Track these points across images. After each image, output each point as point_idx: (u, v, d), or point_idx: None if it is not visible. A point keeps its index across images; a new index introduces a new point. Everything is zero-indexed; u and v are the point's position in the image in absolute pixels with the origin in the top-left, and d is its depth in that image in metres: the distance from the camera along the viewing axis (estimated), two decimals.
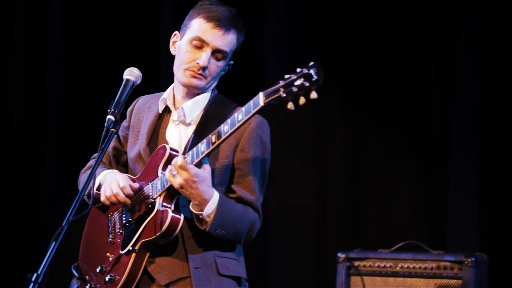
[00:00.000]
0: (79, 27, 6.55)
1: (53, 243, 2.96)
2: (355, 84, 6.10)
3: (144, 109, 3.71)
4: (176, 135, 3.59)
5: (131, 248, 3.46)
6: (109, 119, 3.36)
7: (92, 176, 3.26)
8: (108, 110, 3.39)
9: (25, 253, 6.50)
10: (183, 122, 3.60)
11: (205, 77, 3.56)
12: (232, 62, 3.66)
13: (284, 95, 3.08)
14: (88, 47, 6.53)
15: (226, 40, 3.55)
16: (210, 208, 3.37)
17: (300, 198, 6.20)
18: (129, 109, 3.79)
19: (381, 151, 6.08)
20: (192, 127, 3.58)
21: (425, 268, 5.21)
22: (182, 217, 3.42)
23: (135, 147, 3.64)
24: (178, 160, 3.34)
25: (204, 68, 3.53)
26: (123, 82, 3.48)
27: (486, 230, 5.69)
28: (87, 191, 3.65)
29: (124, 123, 3.75)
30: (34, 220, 6.57)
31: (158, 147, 3.54)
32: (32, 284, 2.90)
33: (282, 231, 6.21)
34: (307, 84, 3.05)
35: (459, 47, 5.81)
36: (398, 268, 5.27)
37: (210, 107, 3.60)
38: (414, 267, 5.23)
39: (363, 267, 5.34)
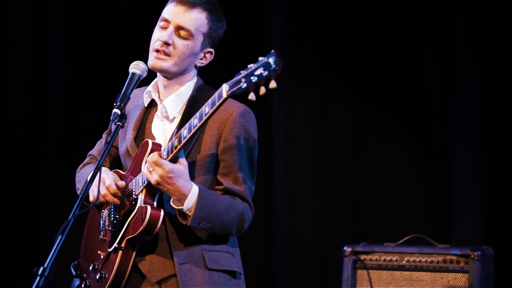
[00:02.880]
0: (83, 25, 6.51)
1: (60, 237, 2.95)
2: (357, 77, 6.11)
3: (133, 103, 3.65)
4: (161, 129, 3.54)
5: (117, 246, 3.41)
6: (115, 112, 3.34)
7: (97, 172, 3.21)
8: (114, 104, 3.36)
9: (23, 250, 6.49)
10: (167, 118, 3.53)
11: (170, 55, 3.47)
12: (212, 50, 3.56)
13: (245, 85, 3.02)
14: (91, 45, 6.50)
15: (188, 17, 3.47)
16: (190, 202, 3.30)
17: (305, 193, 6.20)
18: None
19: (385, 147, 6.08)
20: (177, 121, 3.51)
21: (431, 261, 5.19)
22: (162, 213, 3.35)
23: (124, 143, 3.60)
24: (153, 156, 3.29)
25: (167, 45, 3.46)
26: (129, 76, 3.45)
27: (490, 224, 5.68)
28: (79, 191, 3.65)
29: None
30: (31, 217, 6.55)
31: (142, 142, 3.48)
32: (38, 278, 2.88)
33: (287, 225, 6.21)
34: (265, 73, 2.99)
35: (459, 38, 5.81)
36: (404, 262, 5.26)
37: (193, 99, 3.52)
38: (420, 261, 5.22)
39: (369, 261, 5.33)
